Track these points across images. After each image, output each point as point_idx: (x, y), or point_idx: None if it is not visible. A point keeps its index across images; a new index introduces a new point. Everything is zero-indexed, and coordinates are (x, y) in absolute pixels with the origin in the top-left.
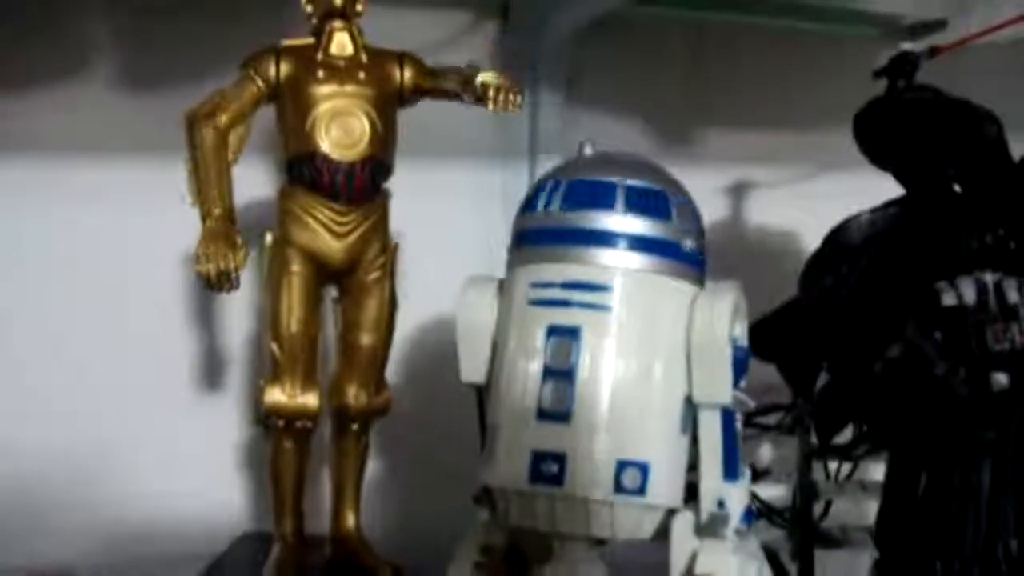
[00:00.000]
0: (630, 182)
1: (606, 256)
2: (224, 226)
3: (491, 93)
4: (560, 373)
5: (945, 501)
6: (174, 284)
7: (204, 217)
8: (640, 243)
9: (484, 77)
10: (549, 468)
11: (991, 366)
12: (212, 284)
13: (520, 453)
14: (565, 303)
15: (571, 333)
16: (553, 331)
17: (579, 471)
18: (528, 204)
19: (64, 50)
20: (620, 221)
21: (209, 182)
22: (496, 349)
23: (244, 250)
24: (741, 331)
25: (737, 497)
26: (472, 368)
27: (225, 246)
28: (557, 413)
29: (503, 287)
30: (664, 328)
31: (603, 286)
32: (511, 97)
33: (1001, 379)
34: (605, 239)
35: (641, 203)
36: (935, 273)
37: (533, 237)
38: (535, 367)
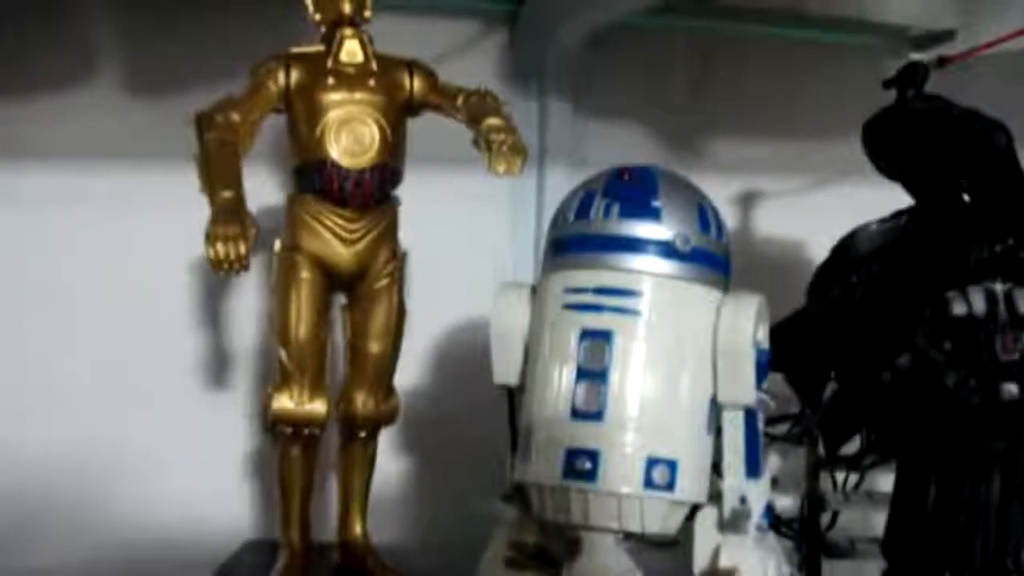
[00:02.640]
0: (660, 193)
1: (637, 263)
2: (233, 206)
3: (493, 147)
4: (593, 374)
5: (954, 512)
6: (181, 289)
7: (212, 200)
8: (669, 250)
9: (491, 122)
10: (583, 464)
11: (1001, 376)
12: (221, 266)
13: (555, 450)
14: (598, 308)
15: (603, 336)
16: (586, 334)
17: (611, 467)
18: (562, 214)
19: (67, 55)
20: (650, 229)
21: (217, 168)
22: (529, 352)
23: (254, 230)
24: (763, 336)
25: (758, 494)
26: (505, 370)
27: (235, 227)
28: (590, 412)
29: (535, 292)
30: (691, 332)
31: (634, 292)
32: (511, 159)
33: (1011, 389)
34: (636, 247)
35: (670, 212)
36: (944, 283)
37: (567, 245)
38: (569, 369)
